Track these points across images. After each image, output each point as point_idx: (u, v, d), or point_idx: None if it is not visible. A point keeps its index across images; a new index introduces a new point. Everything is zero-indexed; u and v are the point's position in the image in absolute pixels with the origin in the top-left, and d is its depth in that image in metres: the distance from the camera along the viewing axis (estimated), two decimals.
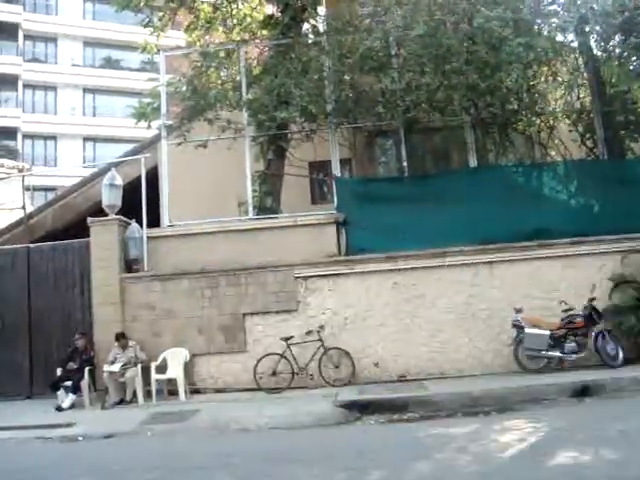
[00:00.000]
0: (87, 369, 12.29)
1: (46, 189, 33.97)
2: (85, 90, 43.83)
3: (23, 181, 20.91)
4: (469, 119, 13.82)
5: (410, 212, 12.91)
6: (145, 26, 16.78)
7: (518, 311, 11.84)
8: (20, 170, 22.62)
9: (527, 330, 11.61)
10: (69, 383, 12.11)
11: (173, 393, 12.25)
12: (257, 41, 16.10)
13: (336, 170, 14.07)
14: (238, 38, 16.00)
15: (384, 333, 12.49)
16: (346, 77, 13.88)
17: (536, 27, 13.24)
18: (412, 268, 12.63)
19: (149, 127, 21.89)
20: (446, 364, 12.31)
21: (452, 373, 12.19)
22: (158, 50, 16.39)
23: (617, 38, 14.00)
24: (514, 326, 11.77)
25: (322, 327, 12.47)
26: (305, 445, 8.33)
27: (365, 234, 13.06)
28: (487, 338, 12.32)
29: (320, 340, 12.33)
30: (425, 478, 6.05)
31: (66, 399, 11.97)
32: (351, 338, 12.49)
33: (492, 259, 12.54)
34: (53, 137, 42.51)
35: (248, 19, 16.78)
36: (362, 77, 13.61)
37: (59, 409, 11.77)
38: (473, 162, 13.90)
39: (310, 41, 15.01)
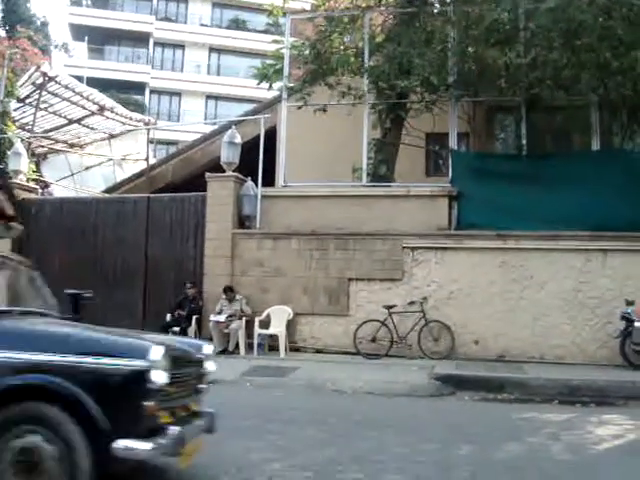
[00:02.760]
0: (194, 317, 12.92)
1: (168, 143, 35.28)
2: (211, 49, 44.94)
3: (148, 134, 21.85)
4: (596, 99, 13.19)
5: (525, 191, 12.60)
6: None
7: (629, 303, 11.37)
8: (146, 124, 23.50)
9: (637, 324, 11.10)
10: (177, 329, 12.72)
11: (273, 349, 12.66)
12: (382, 8, 15.98)
13: (453, 143, 13.89)
14: (363, 4, 15.90)
15: (487, 311, 12.33)
16: (470, 49, 13.60)
17: None
18: (522, 248, 12.38)
19: (270, 88, 22.24)
20: (547, 349, 12.04)
21: (552, 359, 11.91)
22: (284, 13, 16.58)
23: None
24: (623, 318, 11.29)
25: (425, 299, 12.47)
26: (398, 413, 8.47)
27: (477, 210, 12.89)
28: (593, 328, 11.93)
29: (422, 312, 12.35)
30: (514, 459, 6.03)
31: None
32: (453, 313, 12.43)
33: (606, 247, 12.07)
34: (178, 93, 43.94)
35: None
36: (486, 50, 13.20)
37: None
38: (596, 145, 13.33)
39: (436, 11, 14.77)
